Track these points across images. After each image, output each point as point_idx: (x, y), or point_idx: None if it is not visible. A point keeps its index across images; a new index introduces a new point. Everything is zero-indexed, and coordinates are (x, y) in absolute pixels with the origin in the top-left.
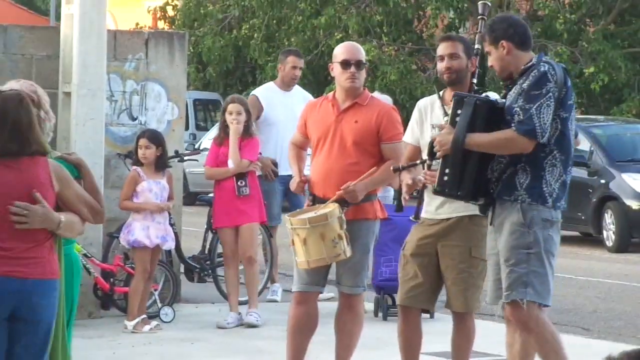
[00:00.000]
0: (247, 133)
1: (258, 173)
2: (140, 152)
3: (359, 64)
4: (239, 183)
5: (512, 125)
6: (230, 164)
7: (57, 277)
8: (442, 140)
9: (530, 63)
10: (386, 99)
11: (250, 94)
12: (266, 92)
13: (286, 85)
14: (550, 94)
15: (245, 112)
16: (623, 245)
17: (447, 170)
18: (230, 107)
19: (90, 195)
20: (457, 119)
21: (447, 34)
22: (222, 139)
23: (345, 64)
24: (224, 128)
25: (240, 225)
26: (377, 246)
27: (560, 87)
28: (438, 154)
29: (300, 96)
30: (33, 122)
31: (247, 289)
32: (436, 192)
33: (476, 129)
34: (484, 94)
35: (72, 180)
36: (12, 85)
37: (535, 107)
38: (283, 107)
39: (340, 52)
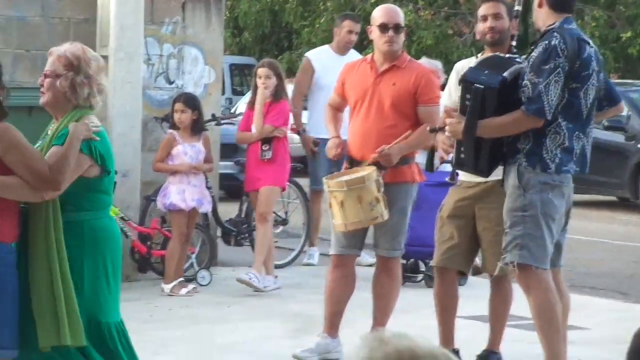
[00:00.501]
0: (276, 97)
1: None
2: (176, 115)
3: (397, 28)
4: (263, 147)
5: (522, 97)
6: (254, 129)
7: None
8: (453, 131)
9: (551, 27)
10: (435, 64)
11: (305, 55)
12: (320, 55)
13: (341, 50)
14: (560, 69)
15: (275, 76)
16: None
17: (462, 149)
18: (260, 71)
19: (54, 161)
20: (467, 102)
21: None
22: (253, 103)
23: (384, 28)
24: (255, 92)
25: (259, 187)
26: None
27: (572, 60)
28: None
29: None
30: None
31: (255, 248)
32: (455, 167)
33: (486, 114)
34: (518, 57)
35: (20, 145)
36: (61, 47)
37: (543, 84)
38: (336, 71)
39: (378, 15)
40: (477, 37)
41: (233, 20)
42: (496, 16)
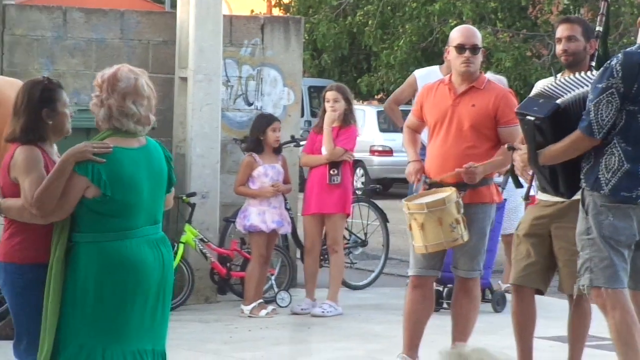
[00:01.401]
0: (345, 122)
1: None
2: (274, 135)
3: (474, 49)
4: (331, 172)
5: None
6: (324, 151)
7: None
8: (523, 161)
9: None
10: (500, 80)
11: (413, 73)
12: (427, 74)
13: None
14: (613, 89)
15: (344, 100)
16: None
17: (539, 177)
18: (328, 94)
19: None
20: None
21: (567, 16)
22: (320, 126)
23: (460, 48)
24: (324, 116)
25: (327, 214)
26: None
27: (628, 81)
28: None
29: None
30: (20, 109)
31: (330, 278)
32: (542, 191)
33: (547, 142)
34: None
35: (26, 169)
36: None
37: (594, 101)
38: None
39: (456, 36)
40: (557, 57)
41: (312, 42)
42: (569, 39)
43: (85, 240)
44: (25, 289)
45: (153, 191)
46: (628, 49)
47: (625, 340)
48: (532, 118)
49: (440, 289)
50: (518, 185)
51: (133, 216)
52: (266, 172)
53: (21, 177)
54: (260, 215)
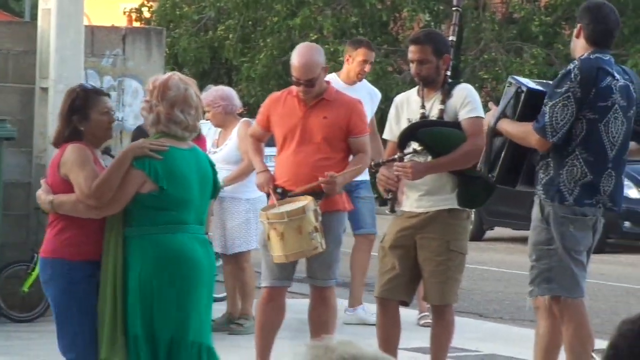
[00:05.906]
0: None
1: None
2: None
3: (308, 83)
4: None
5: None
6: None
7: (46, 256)
8: (387, 177)
9: (580, 57)
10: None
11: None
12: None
13: (351, 80)
14: (569, 93)
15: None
16: (599, 246)
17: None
18: None
19: (98, 179)
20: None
21: (416, 36)
22: None
23: (297, 80)
24: None
25: None
26: None
27: (585, 86)
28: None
29: (364, 92)
30: (58, 116)
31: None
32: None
33: (518, 117)
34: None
35: (78, 164)
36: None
37: (550, 105)
38: None
39: (292, 64)
40: None
41: (173, 56)
42: (420, 62)
43: (137, 234)
44: (73, 285)
45: (201, 191)
46: (585, 58)
47: (578, 355)
48: (516, 88)
49: None
50: (384, 203)
51: (185, 211)
52: None
53: (74, 172)
54: None
